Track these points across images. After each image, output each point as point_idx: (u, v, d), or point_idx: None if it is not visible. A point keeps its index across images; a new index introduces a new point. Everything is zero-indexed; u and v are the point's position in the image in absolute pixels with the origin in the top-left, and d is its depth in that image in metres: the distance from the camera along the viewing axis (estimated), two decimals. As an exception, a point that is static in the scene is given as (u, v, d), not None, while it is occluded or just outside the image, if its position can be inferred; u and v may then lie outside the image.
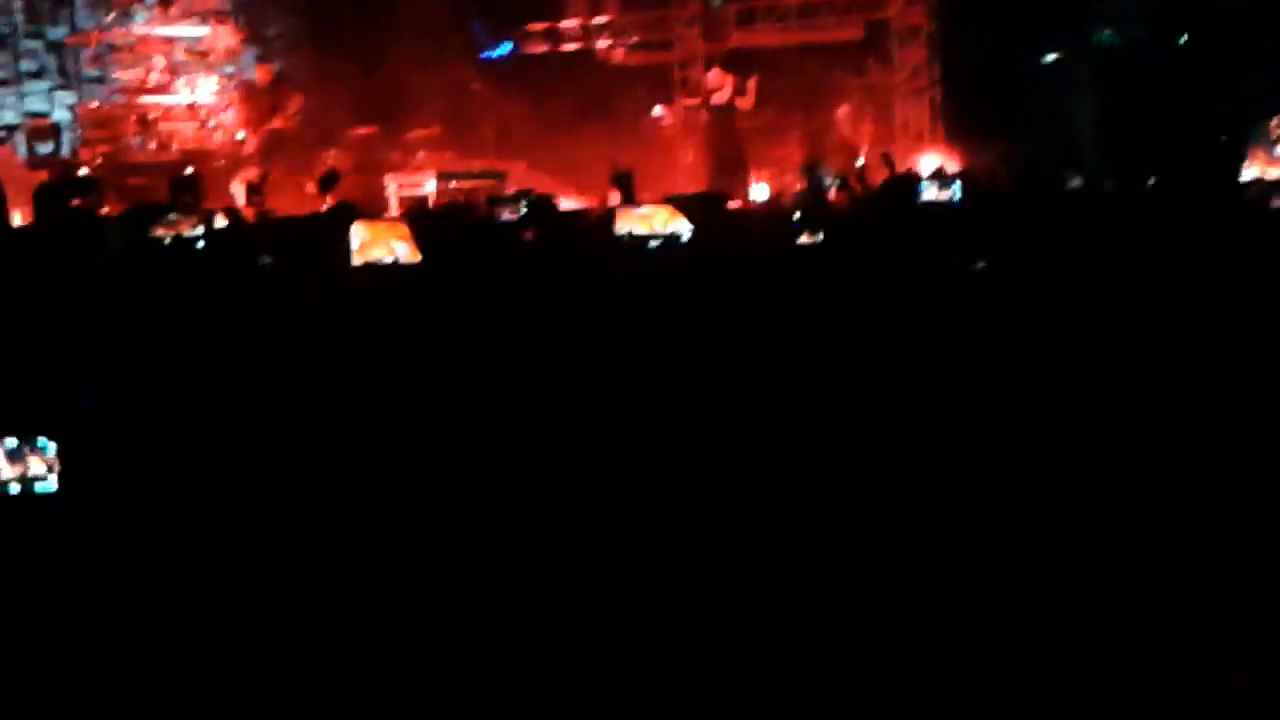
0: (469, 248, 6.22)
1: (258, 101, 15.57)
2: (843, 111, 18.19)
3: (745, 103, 17.09)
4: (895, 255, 6.30)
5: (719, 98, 17.23)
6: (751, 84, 17.23)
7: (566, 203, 13.67)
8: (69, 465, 2.69)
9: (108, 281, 5.27)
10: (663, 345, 3.95)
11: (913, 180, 9.09)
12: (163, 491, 3.12)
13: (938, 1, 18.97)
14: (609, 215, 6.26)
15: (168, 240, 6.30)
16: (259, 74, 16.05)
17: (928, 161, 16.36)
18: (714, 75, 17.68)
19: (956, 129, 17.80)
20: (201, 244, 6.41)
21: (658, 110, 18.70)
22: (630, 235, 5.87)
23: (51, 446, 2.67)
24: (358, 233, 5.41)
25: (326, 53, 16.56)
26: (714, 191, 13.53)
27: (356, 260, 5.31)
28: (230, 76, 16.75)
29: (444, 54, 20.45)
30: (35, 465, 2.68)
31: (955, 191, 6.95)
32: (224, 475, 3.37)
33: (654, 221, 5.94)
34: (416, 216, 7.14)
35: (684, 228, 6.16)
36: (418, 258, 5.47)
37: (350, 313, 5.01)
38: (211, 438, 3.46)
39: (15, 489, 2.64)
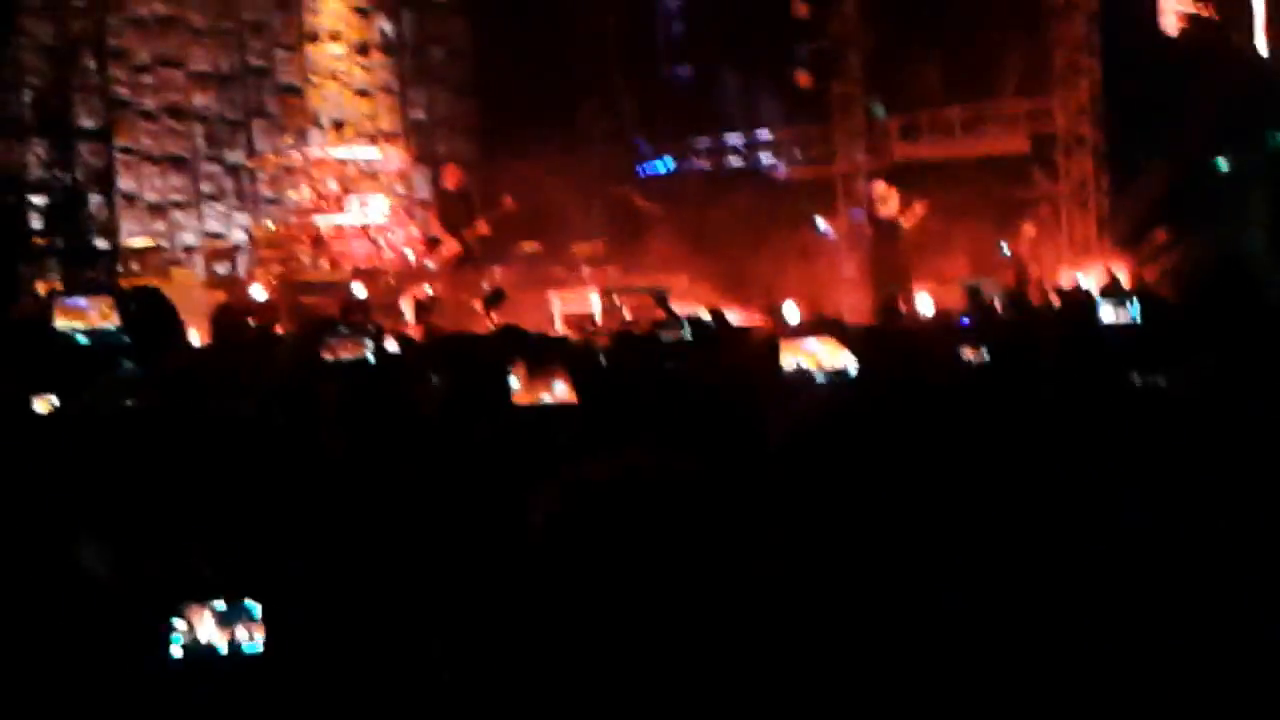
0: (629, 387, 6.21)
1: (454, 208, 15.66)
2: (1026, 228, 17.96)
3: (909, 221, 16.96)
4: (1075, 375, 6.15)
5: (885, 211, 17.15)
6: (919, 206, 17.10)
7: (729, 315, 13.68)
8: (272, 628, 2.73)
9: (280, 405, 5.36)
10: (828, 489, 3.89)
11: (1088, 298, 8.94)
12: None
13: (1105, 112, 18.81)
14: (773, 346, 6.18)
15: (337, 359, 6.38)
16: (448, 178, 16.12)
17: (1093, 275, 16.15)
18: (879, 187, 17.61)
19: (1124, 240, 17.55)
20: (372, 360, 6.49)
21: (821, 225, 18.65)
22: (798, 369, 5.81)
23: (258, 609, 2.71)
24: (518, 374, 5.44)
25: (494, 171, 16.86)
26: (883, 305, 13.45)
27: (518, 400, 5.33)
28: (401, 196, 17.14)
29: (608, 169, 20.75)
30: (243, 631, 2.73)
31: (1133, 310, 6.78)
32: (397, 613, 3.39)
33: (820, 356, 5.88)
34: (576, 356, 7.17)
35: (849, 361, 6.09)
36: (574, 399, 5.47)
37: (511, 452, 5.02)
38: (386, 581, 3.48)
39: (223, 651, 2.68)
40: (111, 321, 6.17)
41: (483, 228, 15.03)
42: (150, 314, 5.76)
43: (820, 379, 5.64)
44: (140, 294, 9.16)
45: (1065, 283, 14.38)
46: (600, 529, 2.83)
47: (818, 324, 8.80)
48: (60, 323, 6.42)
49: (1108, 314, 6.72)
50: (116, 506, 4.00)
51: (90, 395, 5.94)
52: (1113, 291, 8.13)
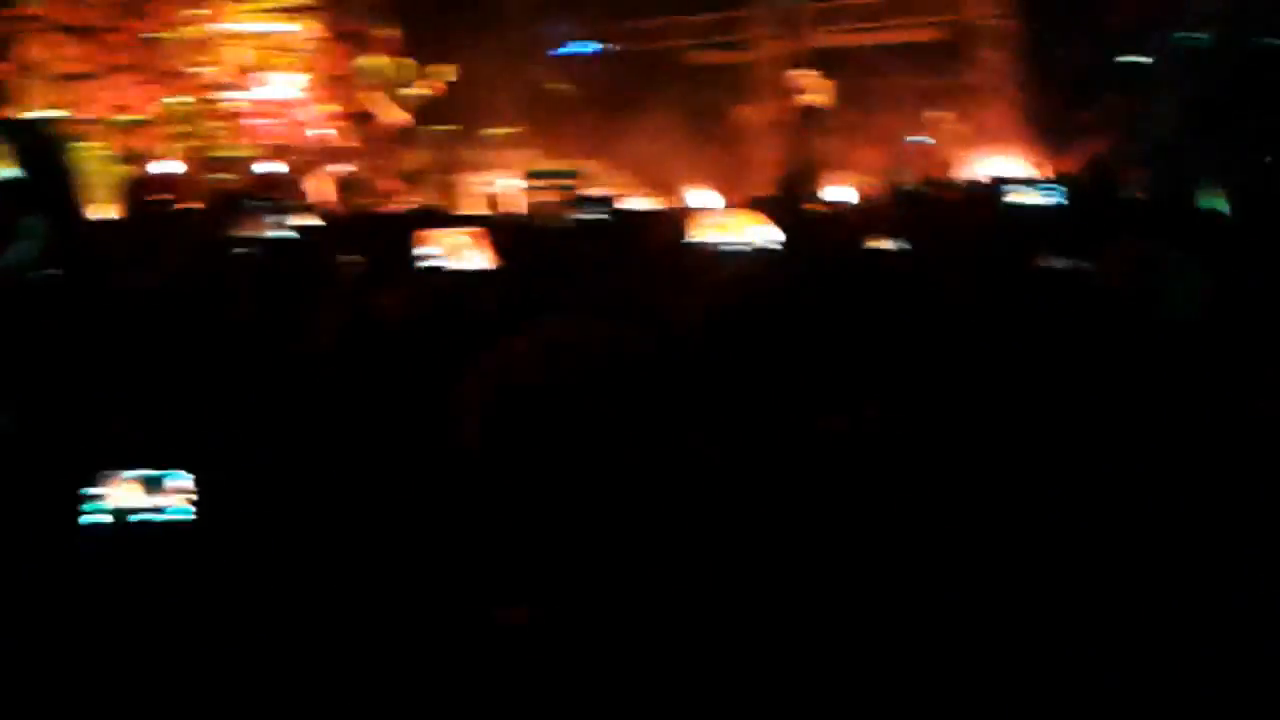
0: (545, 254, 6.23)
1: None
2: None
3: (821, 102, 16.98)
4: (982, 258, 6.22)
5: (804, 99, 17.16)
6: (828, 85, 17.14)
7: (642, 202, 13.67)
8: (203, 495, 2.74)
9: (199, 283, 5.33)
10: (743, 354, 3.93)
11: (997, 184, 9.01)
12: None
13: (1021, 3, 18.85)
14: (682, 219, 6.20)
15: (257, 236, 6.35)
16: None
17: (1008, 165, 16.26)
18: (800, 75, 17.61)
19: (1040, 131, 17.66)
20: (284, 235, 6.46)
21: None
22: (710, 244, 5.85)
23: (185, 479, 2.72)
24: (436, 239, 5.44)
25: (410, 50, 16.63)
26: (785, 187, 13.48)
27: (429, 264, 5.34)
28: (319, 73, 16.88)
29: (527, 51, 20.54)
30: (170, 498, 2.74)
31: (1059, 196, 6.87)
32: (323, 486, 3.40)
33: (735, 228, 5.91)
34: (495, 225, 7.17)
35: (771, 236, 6.11)
36: (493, 264, 5.49)
37: (428, 316, 5.04)
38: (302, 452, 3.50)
39: (150, 518, 2.69)
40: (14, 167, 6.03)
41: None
42: (42, 153, 5.63)
43: (736, 251, 5.68)
44: (28, 127, 8.91)
45: (978, 173, 14.45)
46: (533, 413, 2.81)
47: (744, 203, 8.83)
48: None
49: (1014, 196, 6.81)
50: (25, 369, 3.98)
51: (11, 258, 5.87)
52: (1025, 181, 8.20)
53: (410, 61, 14.36)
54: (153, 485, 2.77)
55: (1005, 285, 5.43)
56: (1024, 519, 3.34)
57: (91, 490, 2.77)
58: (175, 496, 2.77)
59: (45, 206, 5.52)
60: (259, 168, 13.70)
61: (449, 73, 14.19)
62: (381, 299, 5.03)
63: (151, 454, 2.83)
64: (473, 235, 5.45)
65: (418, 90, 14.20)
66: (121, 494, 2.77)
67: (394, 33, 14.64)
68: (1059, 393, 3.90)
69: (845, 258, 6.88)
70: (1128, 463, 3.45)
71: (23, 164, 6.04)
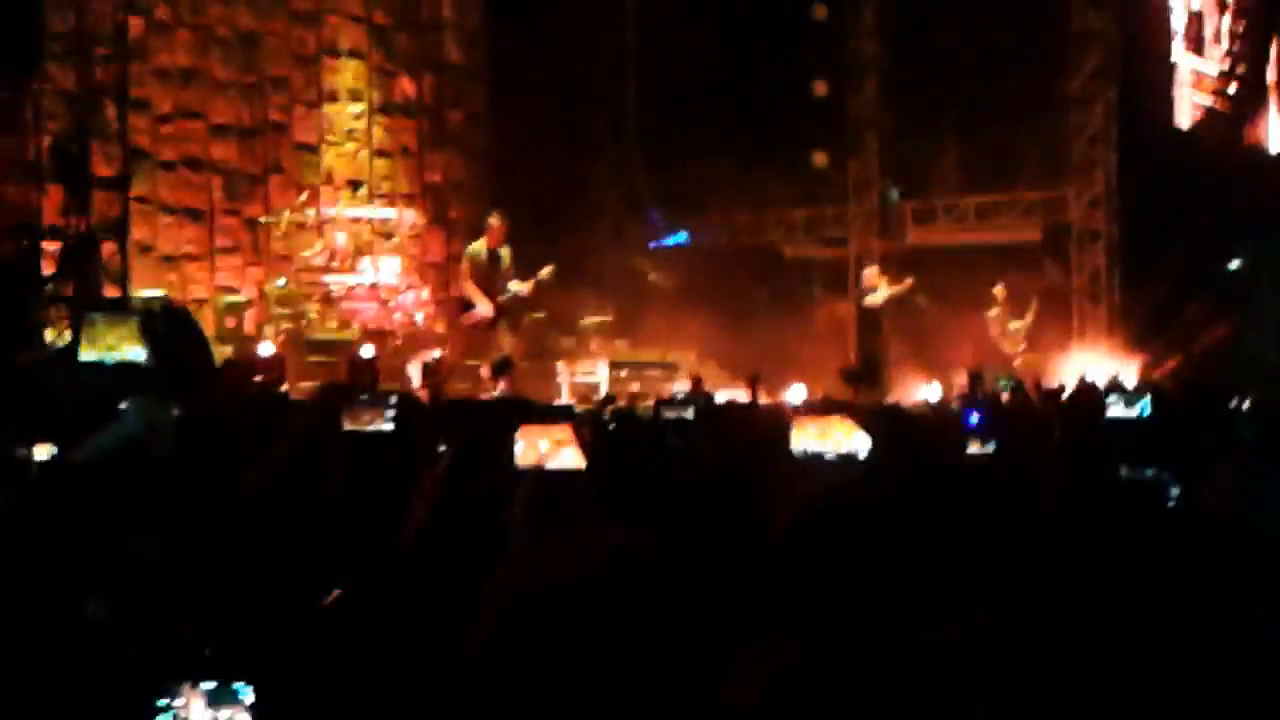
0: (634, 458, 6.16)
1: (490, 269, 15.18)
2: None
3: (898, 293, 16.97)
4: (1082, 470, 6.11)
5: (872, 299, 17.14)
6: (908, 282, 17.14)
7: (732, 393, 13.66)
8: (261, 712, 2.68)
9: (295, 476, 5.31)
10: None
11: (1098, 392, 8.88)
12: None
13: (1119, 204, 18.86)
14: (784, 427, 6.12)
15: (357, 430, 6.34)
16: (491, 236, 15.27)
17: (1101, 369, 16.12)
18: (868, 273, 17.60)
19: (1135, 336, 17.54)
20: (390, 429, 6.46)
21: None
22: (808, 451, 5.75)
23: (249, 693, 2.66)
24: (523, 436, 5.38)
25: (511, 240, 16.86)
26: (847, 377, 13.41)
27: (520, 463, 5.28)
28: (413, 258, 17.13)
29: (619, 239, 20.78)
30: (234, 712, 2.67)
31: (1143, 407, 6.73)
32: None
33: (831, 436, 5.82)
34: (584, 419, 7.14)
35: (860, 442, 6.01)
36: (582, 464, 5.41)
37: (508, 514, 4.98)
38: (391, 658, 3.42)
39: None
40: (138, 346, 6.06)
41: (525, 290, 14.77)
42: (178, 336, 5.68)
43: (831, 460, 5.58)
44: (167, 314, 8.96)
45: (1074, 377, 14.35)
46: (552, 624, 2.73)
47: (829, 404, 8.75)
48: (87, 353, 6.35)
49: (1117, 408, 6.68)
50: (120, 564, 3.96)
51: (94, 445, 5.89)
52: (1121, 388, 8.07)
53: (507, 252, 14.48)
54: (219, 699, 2.71)
55: (1099, 498, 5.30)
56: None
57: (161, 702, 2.71)
58: (241, 712, 2.70)
59: (163, 389, 5.56)
60: (356, 350, 13.84)
61: (546, 273, 14.29)
62: (472, 496, 4.98)
63: (220, 665, 2.77)
64: (564, 433, 5.40)
65: (515, 286, 14.28)
66: (189, 707, 2.70)
67: (495, 222, 14.80)
68: (1147, 612, 3.79)
69: (940, 466, 6.78)
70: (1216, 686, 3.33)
71: (150, 346, 6.13)
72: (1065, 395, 11.42)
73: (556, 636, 2.55)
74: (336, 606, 3.59)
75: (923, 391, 16.11)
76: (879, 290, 17.09)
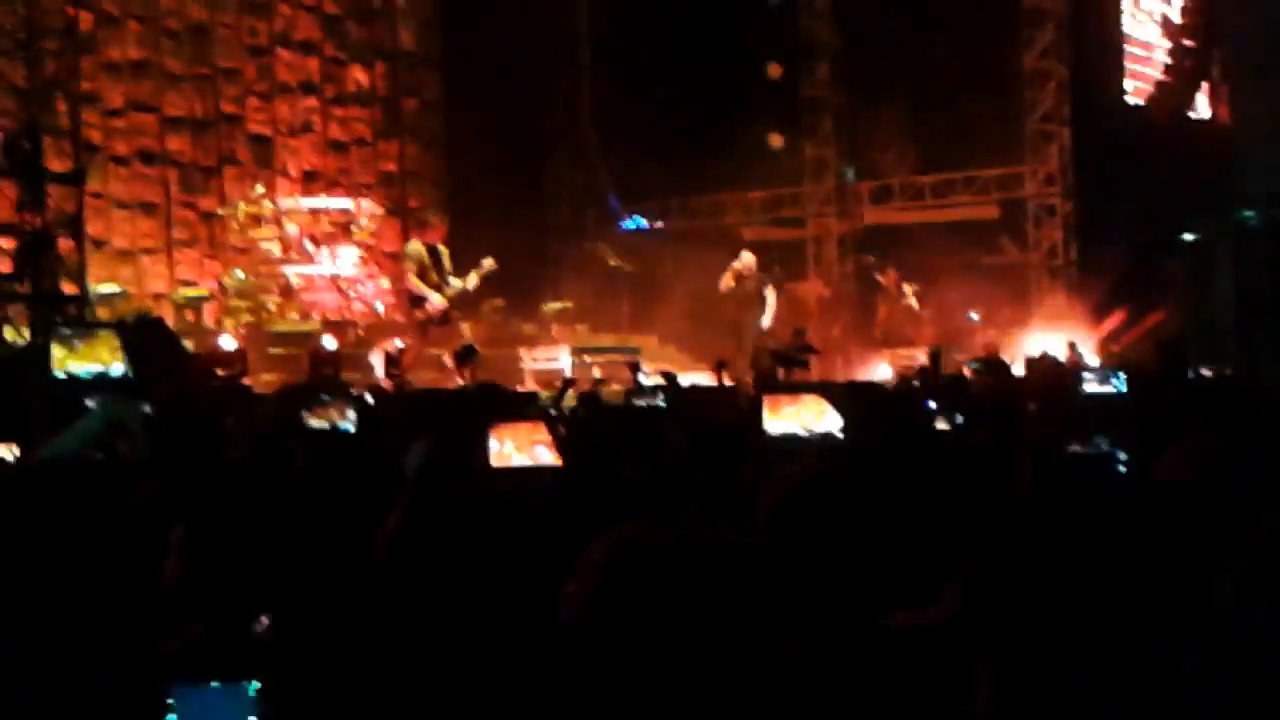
0: (612, 450, 6.14)
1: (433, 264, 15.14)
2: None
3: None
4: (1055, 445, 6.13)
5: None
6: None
7: (696, 377, 13.66)
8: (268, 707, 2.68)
9: (263, 473, 5.29)
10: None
11: (1062, 367, 8.94)
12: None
13: (1075, 180, 18.97)
14: (755, 407, 6.13)
15: (320, 426, 6.34)
16: (433, 233, 15.31)
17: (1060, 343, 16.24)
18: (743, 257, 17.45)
19: (1093, 310, 17.64)
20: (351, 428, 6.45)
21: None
22: (784, 433, 5.77)
23: (256, 690, 2.66)
24: (497, 435, 5.36)
25: (465, 226, 16.81)
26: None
27: (496, 463, 5.27)
28: (371, 249, 17.05)
29: (577, 226, 20.76)
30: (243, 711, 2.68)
31: (1119, 384, 6.78)
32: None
33: (804, 416, 5.85)
34: (557, 416, 7.12)
35: (833, 421, 6.05)
36: (558, 461, 5.41)
37: (491, 516, 4.96)
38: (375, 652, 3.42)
39: None
40: (116, 361, 6.04)
41: (468, 283, 14.78)
42: (153, 345, 5.66)
43: (805, 438, 5.60)
44: (142, 325, 8.89)
45: (1033, 351, 14.41)
46: (648, 612, 2.78)
47: (801, 385, 8.76)
48: (59, 368, 6.32)
49: (1092, 385, 6.73)
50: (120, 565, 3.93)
51: (60, 444, 5.84)
52: (1096, 368, 8.12)
53: (444, 250, 14.45)
54: (227, 696, 2.71)
55: (1064, 472, 5.34)
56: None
57: (166, 700, 2.70)
58: (249, 709, 2.70)
59: (136, 396, 5.53)
60: (318, 341, 13.77)
61: (488, 264, 14.23)
62: (445, 496, 4.95)
63: (224, 663, 2.77)
64: (534, 427, 5.38)
65: (457, 282, 14.22)
66: (197, 704, 2.70)
67: (434, 219, 14.87)
68: (1115, 585, 3.82)
69: (911, 443, 6.80)
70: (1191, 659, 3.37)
71: (129, 360, 6.10)
72: (1026, 372, 11.50)
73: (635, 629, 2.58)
74: (268, 635, 3.57)
75: (876, 371, 16.18)
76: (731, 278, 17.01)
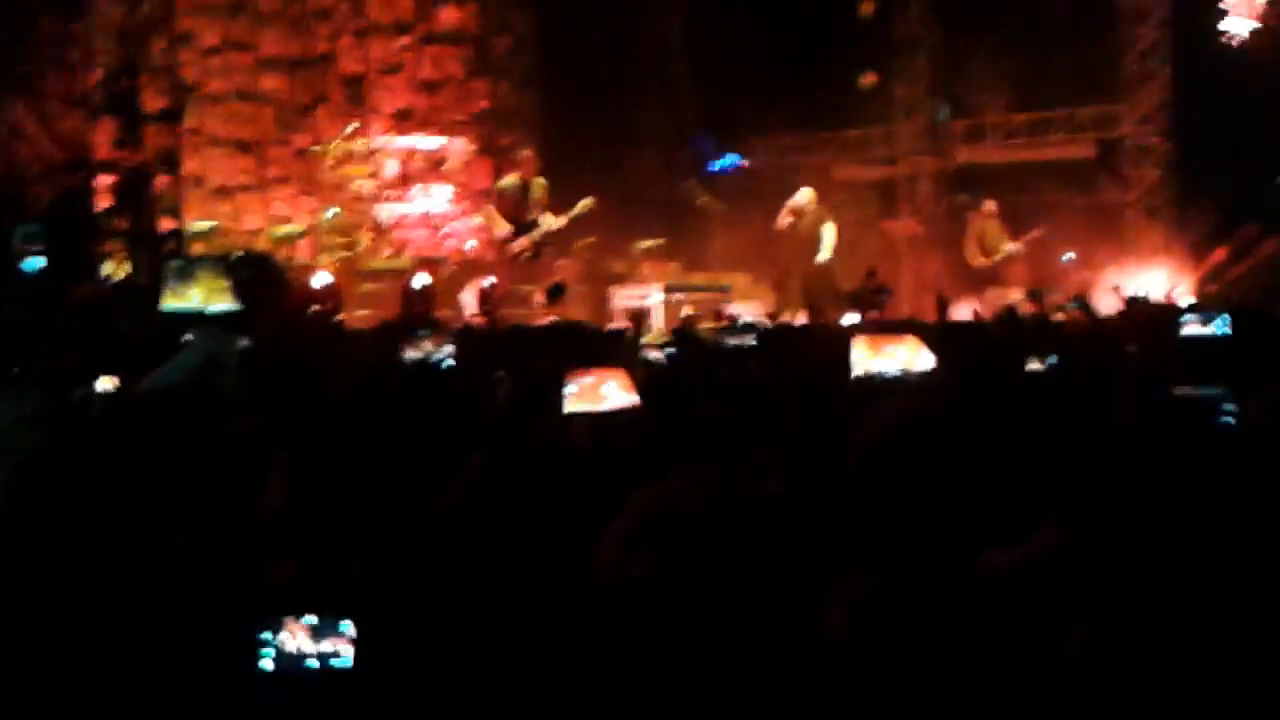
0: (695, 388, 6.14)
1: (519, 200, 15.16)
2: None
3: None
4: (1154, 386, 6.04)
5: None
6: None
7: (790, 318, 13.62)
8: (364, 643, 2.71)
9: (360, 407, 5.34)
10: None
11: (1173, 311, 8.76)
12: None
13: (1173, 121, 18.63)
14: (844, 347, 6.09)
15: (417, 359, 6.40)
16: (525, 167, 15.37)
17: (1156, 279, 16.00)
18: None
19: (1191, 252, 17.34)
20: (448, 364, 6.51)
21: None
22: (871, 372, 5.75)
23: (350, 627, 2.69)
24: (574, 380, 5.35)
25: (557, 164, 16.80)
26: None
27: (574, 406, 5.27)
28: (464, 186, 17.11)
29: (670, 166, 20.68)
30: (336, 644, 2.71)
31: (1219, 325, 6.64)
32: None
33: (899, 356, 5.81)
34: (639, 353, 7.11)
35: (925, 360, 6.00)
36: (635, 401, 5.39)
37: (566, 460, 4.96)
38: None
39: (314, 664, 2.66)
40: (220, 296, 6.13)
41: (556, 222, 14.80)
42: (259, 282, 5.73)
43: (896, 377, 5.57)
44: (249, 261, 9.01)
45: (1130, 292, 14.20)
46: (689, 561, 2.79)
47: (897, 324, 8.68)
48: (168, 303, 6.44)
49: (1192, 327, 6.61)
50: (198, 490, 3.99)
51: (158, 377, 5.93)
52: (1199, 308, 7.93)
53: (539, 184, 14.43)
54: (322, 632, 2.74)
55: (1156, 417, 5.26)
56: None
57: (263, 634, 2.74)
58: (344, 644, 2.73)
59: (235, 331, 5.59)
60: (410, 279, 13.86)
61: (584, 206, 14.18)
62: (524, 440, 4.96)
63: (323, 599, 2.80)
64: (613, 370, 5.38)
65: (546, 221, 14.22)
66: (292, 640, 2.74)
67: (526, 154, 14.89)
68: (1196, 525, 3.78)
69: (1006, 384, 6.75)
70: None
71: (240, 297, 6.19)
72: (1127, 311, 11.35)
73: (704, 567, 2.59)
74: (363, 572, 3.59)
75: (962, 311, 15.99)
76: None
